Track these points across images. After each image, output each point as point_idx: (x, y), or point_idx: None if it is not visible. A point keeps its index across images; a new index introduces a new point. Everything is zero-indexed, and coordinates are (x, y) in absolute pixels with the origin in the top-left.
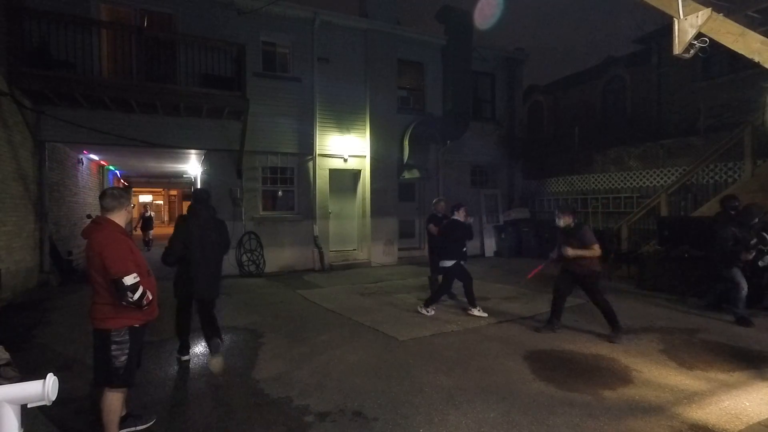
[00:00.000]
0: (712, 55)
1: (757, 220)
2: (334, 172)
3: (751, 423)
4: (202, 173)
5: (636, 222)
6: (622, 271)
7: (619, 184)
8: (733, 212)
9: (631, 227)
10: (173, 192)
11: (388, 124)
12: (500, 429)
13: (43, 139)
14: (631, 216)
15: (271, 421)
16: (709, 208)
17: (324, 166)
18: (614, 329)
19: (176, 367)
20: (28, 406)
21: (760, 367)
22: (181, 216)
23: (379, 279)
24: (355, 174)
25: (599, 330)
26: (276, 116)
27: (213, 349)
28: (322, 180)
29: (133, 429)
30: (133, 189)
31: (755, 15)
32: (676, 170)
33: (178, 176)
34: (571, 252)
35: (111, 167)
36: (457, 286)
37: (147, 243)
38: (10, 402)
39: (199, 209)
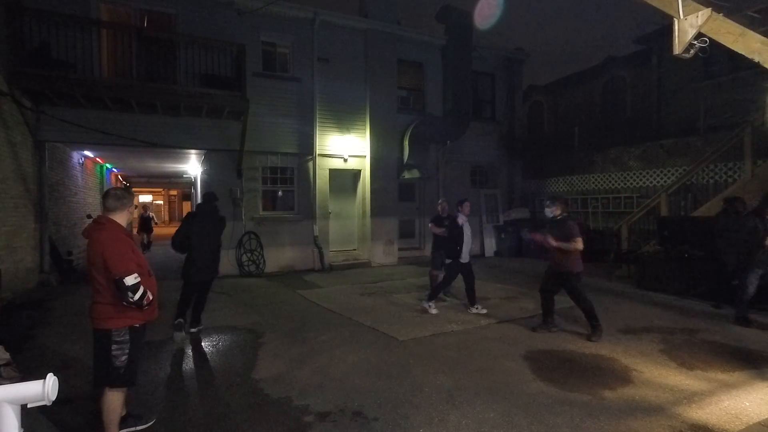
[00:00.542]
0: (712, 55)
1: None
2: (334, 172)
3: (751, 423)
4: (202, 173)
5: (636, 222)
6: (622, 271)
7: (619, 184)
8: (735, 215)
9: (631, 227)
10: (173, 192)
11: (388, 124)
12: (500, 429)
13: (43, 139)
14: (631, 216)
15: (271, 421)
16: (709, 208)
17: (324, 166)
18: (593, 329)
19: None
20: (28, 406)
21: (760, 367)
22: (188, 213)
23: (379, 279)
24: (355, 174)
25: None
26: (276, 116)
27: (186, 328)
28: (322, 180)
29: (133, 429)
30: (133, 189)
31: (755, 15)
32: (676, 170)
33: (178, 176)
34: (553, 242)
35: (108, 165)
36: (458, 286)
37: (145, 246)
38: (10, 402)
39: (202, 208)
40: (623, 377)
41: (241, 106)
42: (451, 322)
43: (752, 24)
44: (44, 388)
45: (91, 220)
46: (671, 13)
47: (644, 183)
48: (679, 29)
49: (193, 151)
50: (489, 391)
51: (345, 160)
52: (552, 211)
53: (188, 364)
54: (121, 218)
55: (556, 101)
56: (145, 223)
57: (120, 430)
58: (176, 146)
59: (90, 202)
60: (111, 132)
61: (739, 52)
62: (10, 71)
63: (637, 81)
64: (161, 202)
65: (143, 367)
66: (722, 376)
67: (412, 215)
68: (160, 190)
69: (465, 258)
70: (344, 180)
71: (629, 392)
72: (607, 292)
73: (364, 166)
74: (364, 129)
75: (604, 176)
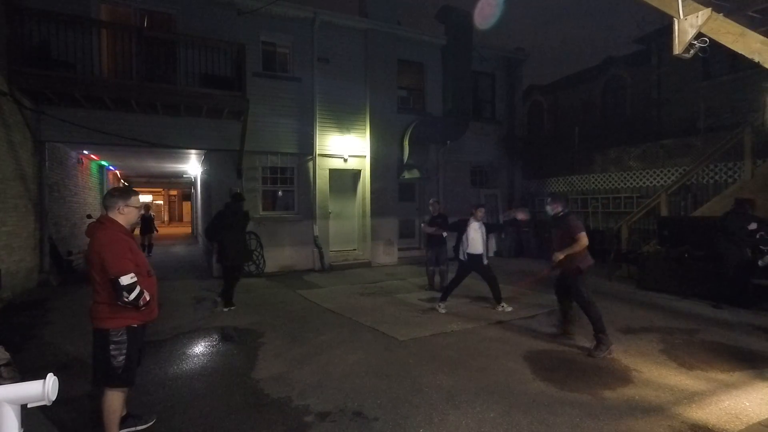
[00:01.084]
0: (712, 55)
1: None
2: (334, 172)
3: (751, 423)
4: (202, 173)
5: (636, 222)
6: (622, 271)
7: (619, 184)
8: (743, 216)
9: (631, 227)
10: (173, 192)
11: (388, 124)
12: (500, 429)
13: (43, 139)
14: (631, 216)
15: (271, 421)
16: (710, 208)
17: (324, 166)
18: (598, 342)
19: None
20: (28, 406)
21: (760, 367)
22: (219, 211)
23: (379, 279)
24: (355, 174)
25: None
26: (276, 116)
27: (223, 300)
28: (322, 180)
29: (133, 429)
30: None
31: (755, 15)
32: (676, 170)
33: (178, 176)
34: (560, 255)
35: (104, 162)
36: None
37: (146, 248)
38: (10, 402)
39: (230, 206)
40: (623, 377)
41: (241, 106)
42: (451, 322)
43: (752, 24)
44: (44, 388)
45: (92, 219)
46: (671, 13)
47: (644, 183)
48: (679, 29)
49: (193, 151)
50: (489, 391)
51: (345, 160)
52: (553, 209)
53: (188, 364)
54: (121, 217)
55: (556, 101)
56: (145, 223)
57: (120, 430)
58: (176, 146)
59: (90, 202)
60: (111, 132)
61: (739, 52)
62: (10, 71)
63: (637, 81)
64: (161, 202)
65: (144, 367)
66: (722, 376)
67: (412, 215)
68: (160, 190)
69: (463, 257)
70: (344, 180)
71: (629, 392)
72: (606, 292)
73: (364, 166)
74: (364, 129)
75: (604, 176)
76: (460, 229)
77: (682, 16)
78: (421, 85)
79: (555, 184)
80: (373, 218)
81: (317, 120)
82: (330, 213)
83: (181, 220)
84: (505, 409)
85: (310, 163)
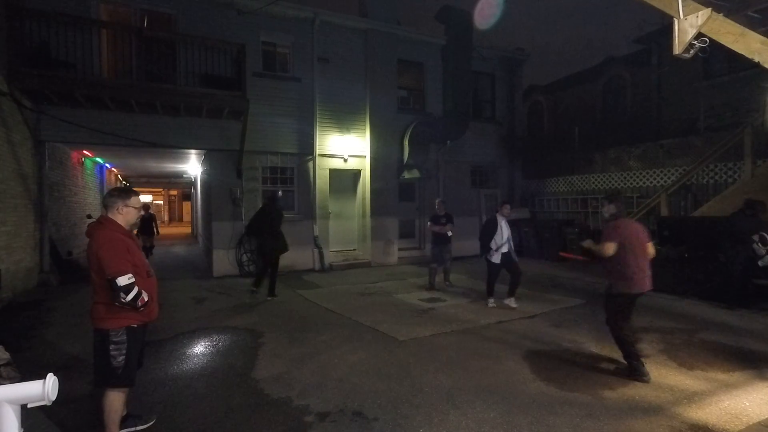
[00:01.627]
0: (712, 55)
1: None
2: (334, 172)
3: (751, 423)
4: (202, 173)
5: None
6: None
7: (619, 184)
8: (751, 217)
9: None
10: (173, 192)
11: (388, 124)
12: (500, 429)
13: (43, 139)
14: (632, 216)
15: (271, 421)
16: (710, 208)
17: (324, 166)
18: (631, 367)
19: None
20: (28, 406)
21: (760, 367)
22: (259, 209)
23: (379, 279)
24: (355, 174)
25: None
26: (276, 116)
27: (268, 291)
28: (322, 180)
29: (133, 429)
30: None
31: (755, 15)
32: (676, 170)
33: (178, 176)
34: (586, 244)
35: (104, 162)
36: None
37: (146, 250)
38: (10, 402)
39: (268, 205)
40: (623, 377)
41: (241, 106)
42: (451, 322)
43: (752, 24)
44: (44, 388)
45: (92, 219)
46: (671, 13)
47: (644, 183)
48: (679, 29)
49: (193, 151)
50: (489, 391)
51: (345, 160)
52: (607, 210)
53: (188, 364)
54: (120, 218)
55: (556, 101)
56: (145, 223)
57: (120, 430)
58: (176, 146)
59: (90, 202)
60: (111, 132)
61: (739, 52)
62: (10, 71)
63: (637, 81)
64: (161, 202)
65: (144, 367)
66: (722, 376)
67: (412, 215)
68: (160, 190)
69: (496, 258)
70: (344, 180)
71: (629, 392)
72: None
73: (364, 166)
74: (364, 129)
75: (604, 176)
76: (492, 230)
77: (682, 16)
78: (421, 85)
79: (555, 184)
80: (373, 218)
81: (317, 120)
82: (330, 213)
83: (181, 220)
84: (505, 409)
85: (310, 163)
